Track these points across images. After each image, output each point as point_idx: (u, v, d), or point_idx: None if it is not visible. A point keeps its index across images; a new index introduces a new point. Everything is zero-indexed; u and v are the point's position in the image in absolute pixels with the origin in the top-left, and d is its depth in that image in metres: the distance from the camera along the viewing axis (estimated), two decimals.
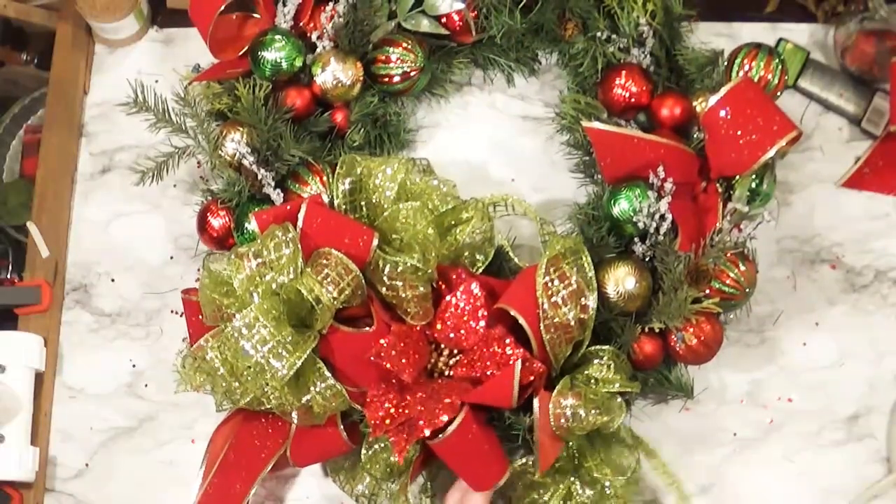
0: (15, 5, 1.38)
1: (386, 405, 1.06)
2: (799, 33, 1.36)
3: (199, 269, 1.27)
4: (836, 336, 1.25)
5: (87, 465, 1.23)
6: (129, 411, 1.25)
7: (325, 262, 1.05)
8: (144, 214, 1.32)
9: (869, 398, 1.22)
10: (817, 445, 1.21)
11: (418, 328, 1.09)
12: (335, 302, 1.05)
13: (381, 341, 1.05)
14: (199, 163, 1.29)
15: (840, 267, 1.27)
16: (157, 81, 1.34)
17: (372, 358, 1.05)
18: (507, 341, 1.07)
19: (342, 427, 1.11)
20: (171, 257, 1.30)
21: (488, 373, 1.07)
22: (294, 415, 1.09)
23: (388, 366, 1.05)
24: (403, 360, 1.05)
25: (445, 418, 1.03)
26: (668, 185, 1.11)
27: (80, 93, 1.36)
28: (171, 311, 1.27)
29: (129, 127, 1.28)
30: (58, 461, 1.23)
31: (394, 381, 1.07)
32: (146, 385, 1.25)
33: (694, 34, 1.27)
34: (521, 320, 1.05)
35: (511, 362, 1.05)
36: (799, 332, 1.25)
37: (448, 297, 1.09)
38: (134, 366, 1.26)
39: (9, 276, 1.37)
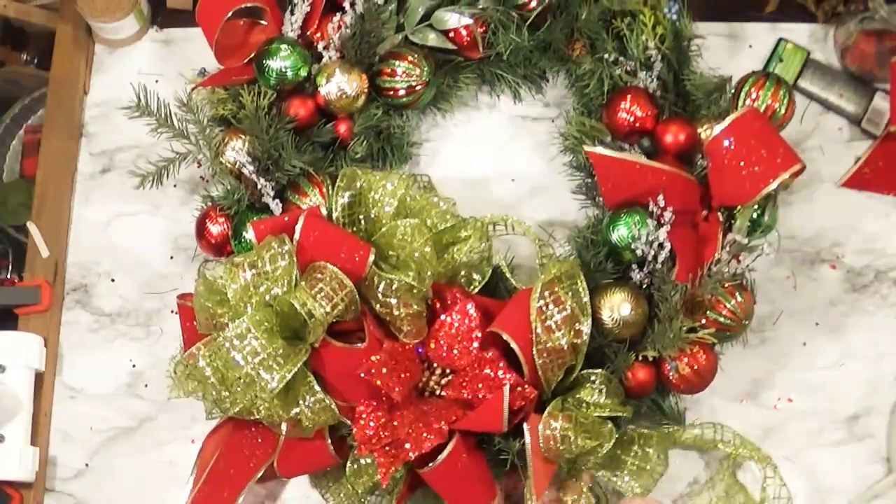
0: (15, 5, 1.38)
1: (372, 423, 1.05)
2: (799, 33, 1.36)
3: (198, 271, 1.27)
4: (836, 336, 1.25)
5: (87, 465, 1.23)
6: (129, 411, 1.25)
7: (319, 276, 1.04)
8: (144, 214, 1.32)
9: (869, 398, 1.23)
10: (817, 445, 1.21)
11: (411, 346, 1.08)
12: (328, 317, 1.03)
13: (373, 358, 1.04)
14: (198, 163, 1.29)
15: (840, 267, 1.27)
16: (157, 82, 1.34)
17: (362, 375, 1.04)
18: (500, 365, 1.06)
19: (329, 441, 1.10)
20: (171, 257, 1.30)
21: (480, 395, 1.06)
22: (283, 426, 1.08)
23: (379, 383, 1.04)
24: (394, 379, 1.04)
25: (430, 445, 1.02)
26: (668, 214, 1.10)
27: (80, 93, 1.36)
28: (171, 312, 1.27)
29: (129, 127, 1.27)
30: (58, 461, 1.23)
31: (384, 398, 1.06)
32: (146, 385, 1.25)
33: (703, 59, 1.26)
34: (514, 345, 1.04)
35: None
36: (799, 332, 1.25)
37: (443, 317, 1.08)
38: (134, 366, 1.26)
39: (9, 276, 1.37)
